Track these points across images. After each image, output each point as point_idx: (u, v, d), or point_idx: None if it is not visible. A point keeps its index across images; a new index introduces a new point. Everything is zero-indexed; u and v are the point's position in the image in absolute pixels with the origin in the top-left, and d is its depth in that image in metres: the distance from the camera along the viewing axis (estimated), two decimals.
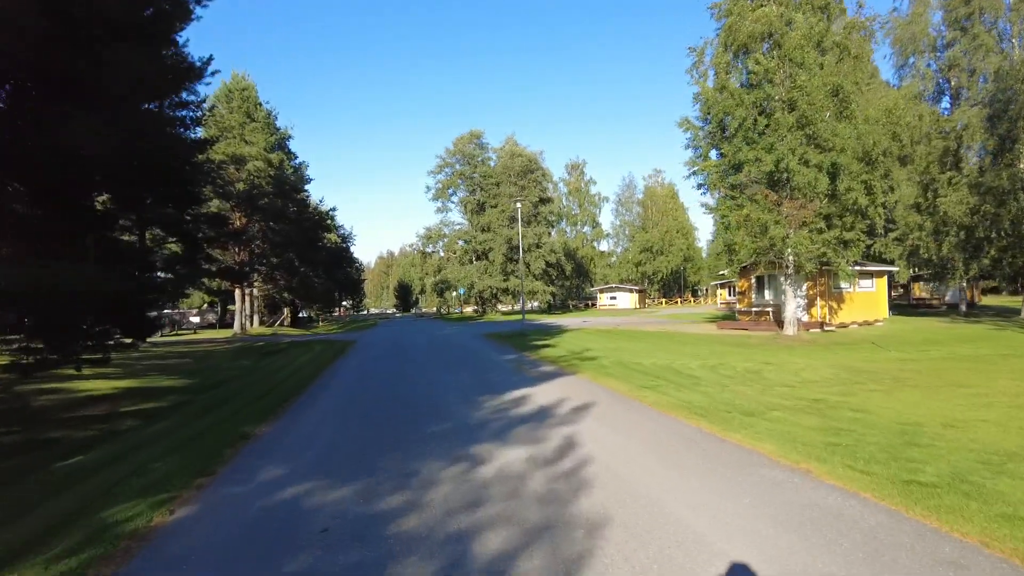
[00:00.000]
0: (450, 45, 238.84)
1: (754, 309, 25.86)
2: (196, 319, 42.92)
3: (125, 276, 12.76)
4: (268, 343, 29.15)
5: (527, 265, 58.96)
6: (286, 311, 56.43)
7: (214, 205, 34.33)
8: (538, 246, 57.67)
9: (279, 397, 11.37)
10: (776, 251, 20.10)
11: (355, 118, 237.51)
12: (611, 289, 65.62)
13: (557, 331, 28.51)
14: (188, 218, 28.99)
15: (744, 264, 21.29)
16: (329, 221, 45.24)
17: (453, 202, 64.80)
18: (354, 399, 10.59)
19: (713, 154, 21.57)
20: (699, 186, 21.46)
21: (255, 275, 38.07)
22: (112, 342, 12.13)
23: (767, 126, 19.12)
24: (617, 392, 10.20)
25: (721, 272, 28.52)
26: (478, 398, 9.99)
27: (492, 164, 63.19)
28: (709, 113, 20.84)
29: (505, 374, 13.24)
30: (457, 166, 62.23)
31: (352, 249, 73.80)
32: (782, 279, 24.80)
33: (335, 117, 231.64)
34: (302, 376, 14.83)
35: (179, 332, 40.00)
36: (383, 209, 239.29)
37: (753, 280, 26.10)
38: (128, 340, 12.68)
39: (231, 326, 43.95)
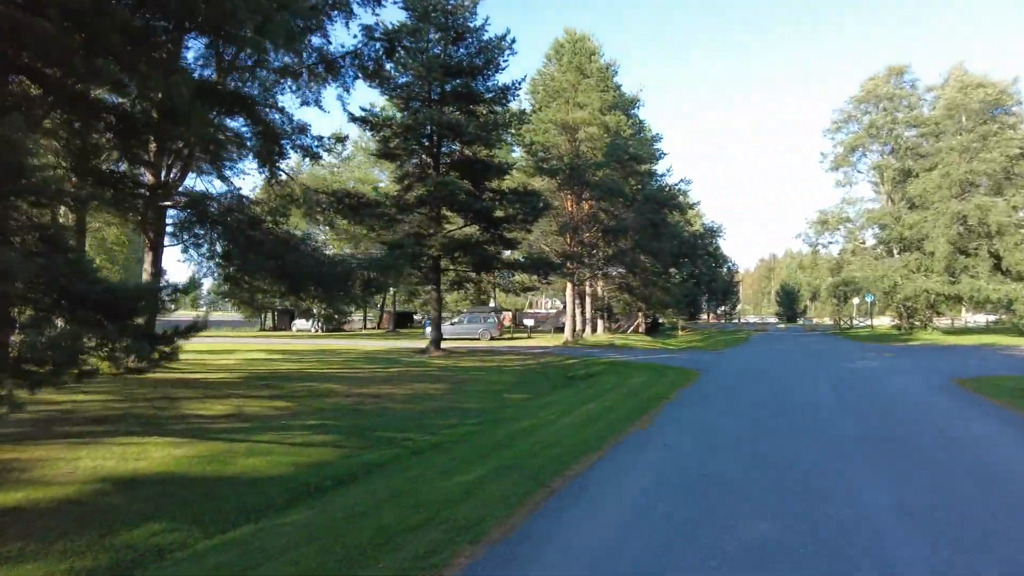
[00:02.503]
0: None
1: None
2: (530, 321, 38.00)
3: None
4: (587, 360, 20.67)
5: (996, 258, 37.90)
6: (640, 316, 48.84)
7: (537, 183, 27.99)
8: (1020, 226, 36.30)
9: None
10: None
11: (734, 109, 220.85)
12: None
13: None
14: (491, 193, 22.73)
15: None
16: (681, 198, 34.79)
17: (860, 171, 47.01)
18: None
19: None
20: None
21: (584, 269, 30.44)
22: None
23: None
24: None
25: None
26: None
27: (925, 110, 43.42)
28: None
29: None
30: (867, 117, 44.39)
31: (721, 246, 62.32)
32: None
33: (709, 108, 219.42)
34: (515, 489, 5.45)
35: (512, 336, 35.40)
36: (769, 210, 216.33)
37: None
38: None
39: (594, 330, 37.66)
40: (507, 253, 27.87)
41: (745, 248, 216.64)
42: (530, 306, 72.72)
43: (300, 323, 46.96)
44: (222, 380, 12.91)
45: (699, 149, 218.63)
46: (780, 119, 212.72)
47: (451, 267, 22.29)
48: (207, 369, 14.80)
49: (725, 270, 71.72)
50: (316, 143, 15.79)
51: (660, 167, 37.62)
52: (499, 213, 20.99)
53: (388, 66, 15.91)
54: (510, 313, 54.35)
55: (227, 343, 26.62)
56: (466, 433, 9.15)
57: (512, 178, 26.74)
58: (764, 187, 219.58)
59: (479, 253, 19.58)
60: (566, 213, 30.01)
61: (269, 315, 53.94)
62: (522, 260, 22.38)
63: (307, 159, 15.60)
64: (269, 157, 13.09)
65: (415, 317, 60.45)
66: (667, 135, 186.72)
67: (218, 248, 10.57)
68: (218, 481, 6.46)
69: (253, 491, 6.20)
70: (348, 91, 15.58)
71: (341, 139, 15.94)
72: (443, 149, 21.45)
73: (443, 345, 22.40)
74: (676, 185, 34.30)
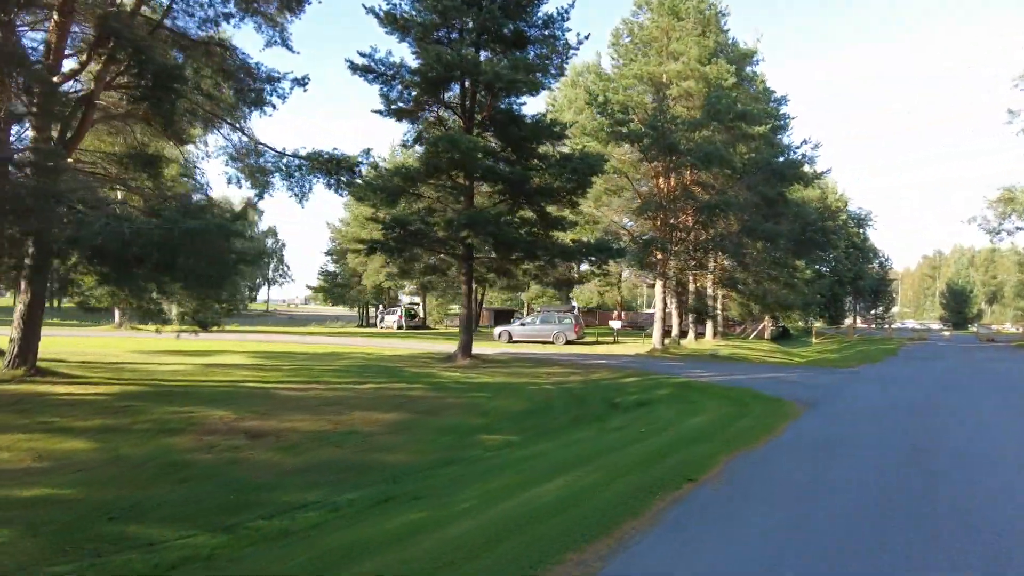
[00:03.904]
0: None
1: None
2: (616, 324, 32.47)
3: None
4: (653, 380, 15.28)
5: None
6: (766, 320, 41.62)
7: (616, 153, 22.89)
8: None
9: None
10: None
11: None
12: None
13: None
14: (537, 159, 17.67)
15: None
16: (807, 167, 26.89)
17: None
18: None
19: None
20: None
21: (675, 259, 24.48)
22: None
23: None
24: None
25: None
26: None
27: None
28: None
29: None
30: None
31: (871, 237, 52.30)
32: None
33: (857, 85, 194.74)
34: None
35: (596, 339, 30.19)
36: (934, 202, 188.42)
37: None
38: None
39: (701, 334, 31.54)
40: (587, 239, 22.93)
41: (905, 245, 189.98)
42: (651, 305, 65.59)
43: (385, 319, 45.24)
44: (92, 397, 9.57)
45: (847, 128, 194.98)
46: (951, 83, 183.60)
47: (491, 254, 17.86)
48: (123, 379, 11.69)
49: (876, 265, 60.12)
50: (269, 88, 12.18)
51: (785, 138, 30.21)
52: (538, 181, 16.15)
53: None
54: (618, 313, 48.54)
55: (247, 341, 24.33)
56: (260, 541, 4.74)
57: (582, 143, 21.79)
58: (929, 171, 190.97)
59: (493, 232, 14.68)
60: (653, 188, 24.41)
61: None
62: (566, 244, 17.35)
63: (255, 108, 12.01)
64: (162, 98, 9.58)
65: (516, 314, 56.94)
66: (812, 119, 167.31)
67: None
68: None
69: None
70: (293, 10, 11.71)
71: (301, 82, 12.15)
72: (476, 106, 17.08)
73: (501, 349, 18.13)
74: (798, 148, 26.63)
